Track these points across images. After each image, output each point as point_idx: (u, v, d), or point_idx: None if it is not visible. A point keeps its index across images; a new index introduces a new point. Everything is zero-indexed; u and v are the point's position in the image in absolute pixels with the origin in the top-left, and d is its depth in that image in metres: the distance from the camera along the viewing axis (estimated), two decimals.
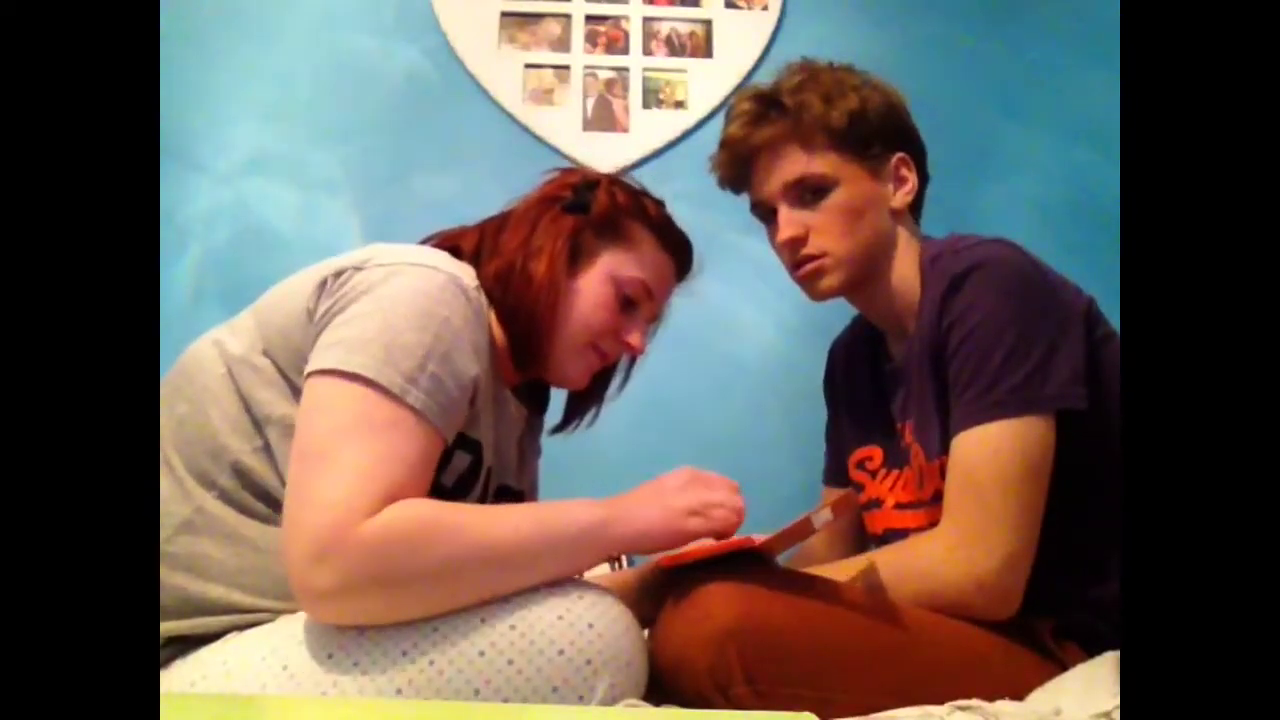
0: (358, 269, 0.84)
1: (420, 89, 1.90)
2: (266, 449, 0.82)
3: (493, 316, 0.92)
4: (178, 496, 0.82)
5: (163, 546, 0.80)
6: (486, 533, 0.77)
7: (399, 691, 0.73)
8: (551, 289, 0.93)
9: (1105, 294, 1.00)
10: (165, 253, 1.76)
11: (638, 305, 0.99)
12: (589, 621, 0.77)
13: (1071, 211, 1.87)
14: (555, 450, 1.15)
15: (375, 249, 0.87)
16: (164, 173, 1.78)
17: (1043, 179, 1.90)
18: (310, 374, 0.79)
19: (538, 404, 1.10)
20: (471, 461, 0.90)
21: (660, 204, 1.04)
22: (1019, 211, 1.86)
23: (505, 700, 0.74)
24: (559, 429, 1.12)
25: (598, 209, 0.98)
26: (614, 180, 1.02)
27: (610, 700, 0.77)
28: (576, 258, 0.96)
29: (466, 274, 0.87)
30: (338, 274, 0.84)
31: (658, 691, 0.82)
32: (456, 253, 0.94)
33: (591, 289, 0.95)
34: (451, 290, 0.83)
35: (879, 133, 1.07)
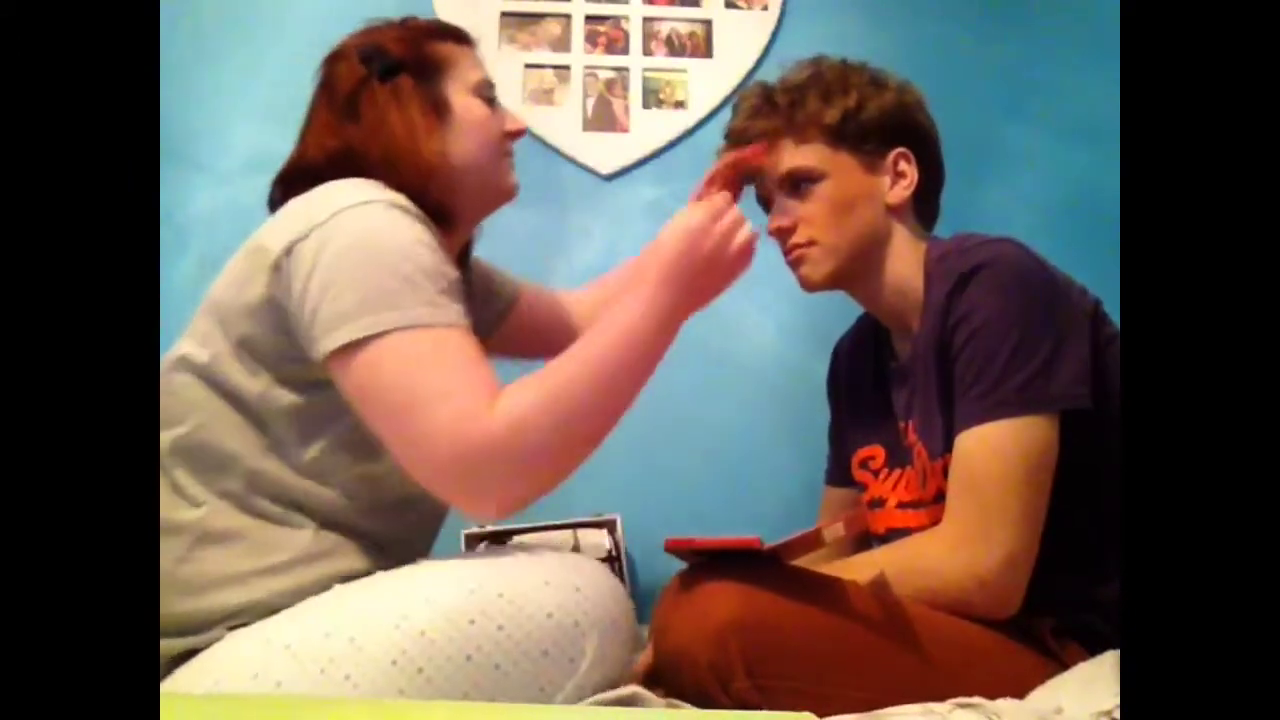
0: (303, 238, 0.82)
1: None
2: (277, 446, 0.83)
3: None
4: (181, 507, 0.82)
5: (174, 566, 0.80)
6: (599, 355, 0.83)
7: (393, 663, 0.73)
8: (434, 150, 0.93)
9: (1106, 294, 1.00)
10: (165, 253, 1.76)
11: (493, 97, 1.03)
12: (575, 585, 0.79)
13: (1071, 211, 1.86)
14: None
15: (299, 204, 0.85)
16: (164, 173, 1.78)
17: (1043, 179, 1.90)
18: (332, 353, 0.79)
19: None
20: None
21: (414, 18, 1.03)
22: (1020, 211, 1.86)
23: (497, 666, 0.74)
24: None
25: (405, 58, 0.97)
26: (378, 30, 1.01)
27: (600, 659, 0.78)
28: (435, 111, 0.96)
29: (392, 193, 0.86)
30: (287, 250, 0.82)
31: (658, 687, 0.82)
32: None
33: (469, 116, 0.98)
34: (395, 215, 0.84)
35: (877, 129, 1.07)
